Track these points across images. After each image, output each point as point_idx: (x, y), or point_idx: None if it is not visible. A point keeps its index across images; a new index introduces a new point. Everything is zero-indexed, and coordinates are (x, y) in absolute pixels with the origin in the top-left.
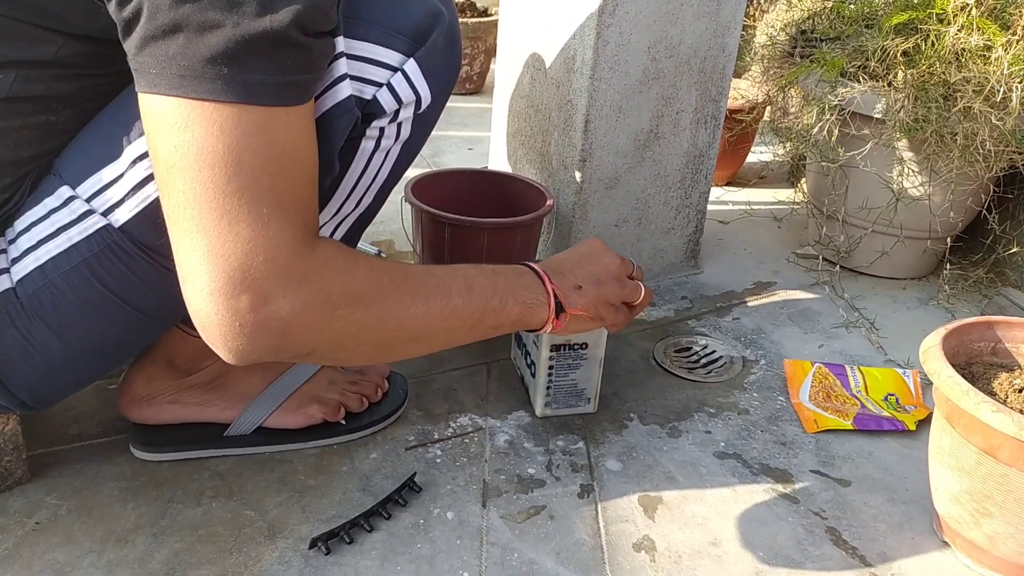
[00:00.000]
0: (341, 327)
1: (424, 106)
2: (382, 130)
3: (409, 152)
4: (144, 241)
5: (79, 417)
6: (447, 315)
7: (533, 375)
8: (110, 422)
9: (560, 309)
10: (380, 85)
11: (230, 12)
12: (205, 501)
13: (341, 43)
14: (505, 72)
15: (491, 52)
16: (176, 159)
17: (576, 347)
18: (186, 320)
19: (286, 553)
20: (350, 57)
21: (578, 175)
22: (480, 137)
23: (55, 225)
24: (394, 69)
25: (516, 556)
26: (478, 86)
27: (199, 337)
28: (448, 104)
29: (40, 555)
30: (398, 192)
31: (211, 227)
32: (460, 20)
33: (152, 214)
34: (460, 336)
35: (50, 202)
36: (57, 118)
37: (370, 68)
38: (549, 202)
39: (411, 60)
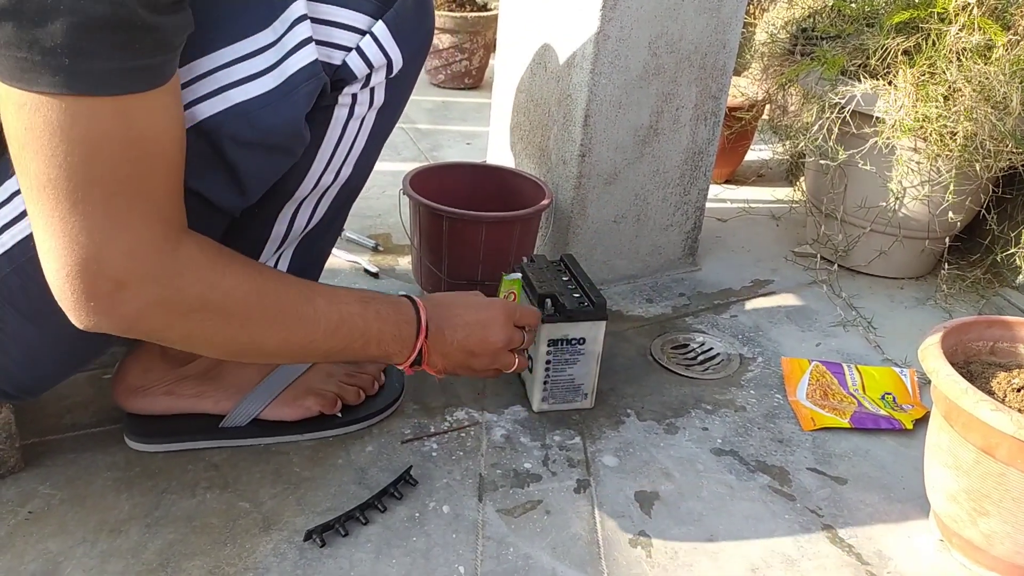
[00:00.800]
0: (193, 328)
1: (396, 69)
2: (355, 96)
3: (386, 120)
4: None
5: (73, 407)
6: (303, 346)
7: (530, 370)
8: (104, 412)
9: (418, 363)
10: (349, 49)
11: None
12: (199, 492)
13: (303, 6)
14: (504, 67)
15: (491, 47)
16: (28, 140)
17: (574, 342)
18: None
19: (281, 545)
20: (315, 21)
21: (577, 170)
22: (479, 132)
23: (19, 208)
24: (362, 32)
25: (512, 550)
26: (477, 80)
27: None
28: (447, 99)
29: (33, 545)
30: (396, 185)
31: (65, 214)
32: (460, 14)
33: None
34: (310, 359)
35: (11, 184)
36: None
37: (337, 32)
38: (547, 197)
39: (379, 22)
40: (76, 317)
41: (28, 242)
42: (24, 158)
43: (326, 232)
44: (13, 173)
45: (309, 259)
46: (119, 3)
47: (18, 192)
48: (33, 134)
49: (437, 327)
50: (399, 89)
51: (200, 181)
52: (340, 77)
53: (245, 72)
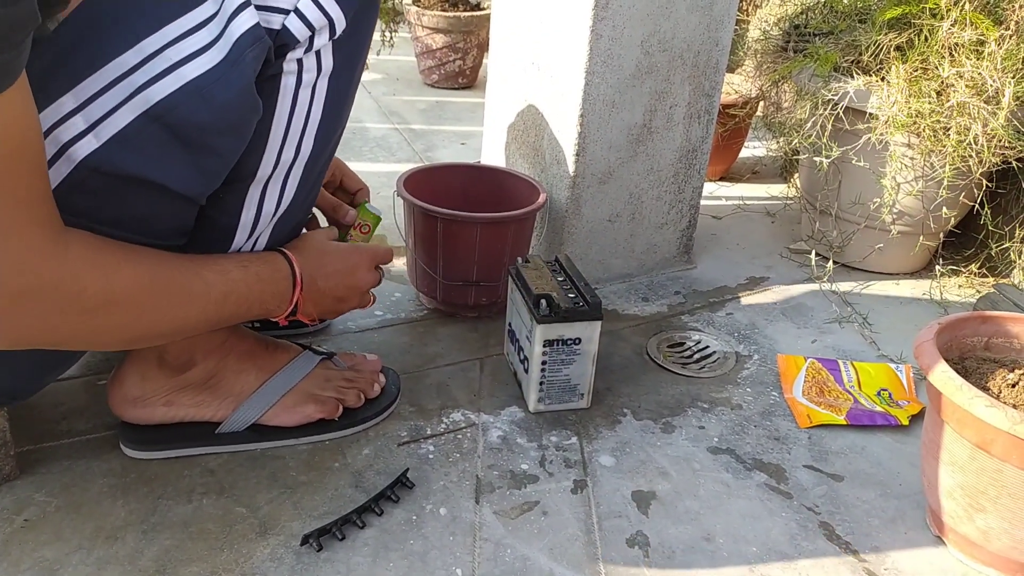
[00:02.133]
0: (99, 323)
1: (340, 30)
2: (300, 62)
3: (341, 87)
4: (75, 211)
5: (68, 413)
6: (198, 320)
7: (526, 370)
8: (99, 418)
9: (292, 313)
10: (287, 12)
11: None
12: (196, 498)
13: None
14: (498, 66)
15: (484, 46)
16: None
17: (569, 343)
18: None
19: (277, 550)
20: None
21: (571, 170)
22: (474, 131)
23: None
24: None
25: (509, 552)
26: (471, 80)
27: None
28: (441, 99)
29: (29, 552)
30: (391, 187)
31: None
32: (453, 14)
33: (78, 182)
34: (198, 332)
35: None
36: None
37: None
38: (542, 197)
39: None
40: None
41: None
42: None
43: (299, 209)
44: None
45: (285, 238)
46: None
47: None
48: None
49: (310, 277)
50: (349, 52)
51: (159, 170)
52: (282, 42)
53: (193, 47)
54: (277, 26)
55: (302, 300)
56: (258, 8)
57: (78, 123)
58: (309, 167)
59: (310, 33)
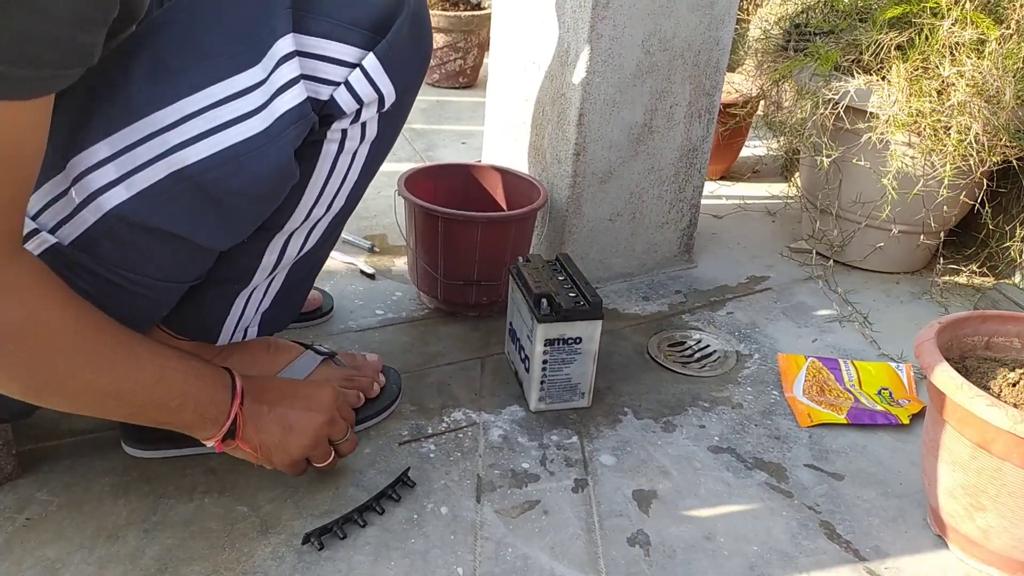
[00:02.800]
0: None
1: (388, 104)
2: (344, 132)
3: (379, 150)
4: (99, 255)
5: (69, 412)
6: (114, 392)
7: (527, 369)
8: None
9: (231, 435)
10: (336, 84)
11: None
12: (197, 497)
13: (291, 41)
14: (498, 66)
15: (484, 46)
16: None
17: (570, 342)
18: (166, 322)
19: (279, 549)
20: (302, 55)
21: (572, 169)
22: (474, 131)
23: None
24: (351, 66)
25: (510, 551)
26: (472, 80)
27: (185, 339)
28: (442, 98)
29: (31, 551)
30: (392, 186)
31: None
32: (454, 14)
33: (104, 229)
34: (114, 413)
35: None
36: None
37: (323, 66)
38: (543, 196)
39: (370, 55)
40: None
41: None
42: None
43: (319, 251)
44: None
45: (302, 274)
46: (38, 10)
47: None
48: None
49: (253, 396)
50: (394, 120)
51: (186, 225)
52: (327, 112)
53: (235, 112)
54: (325, 97)
55: (242, 417)
56: (305, 78)
57: (110, 172)
58: (337, 220)
59: (358, 106)
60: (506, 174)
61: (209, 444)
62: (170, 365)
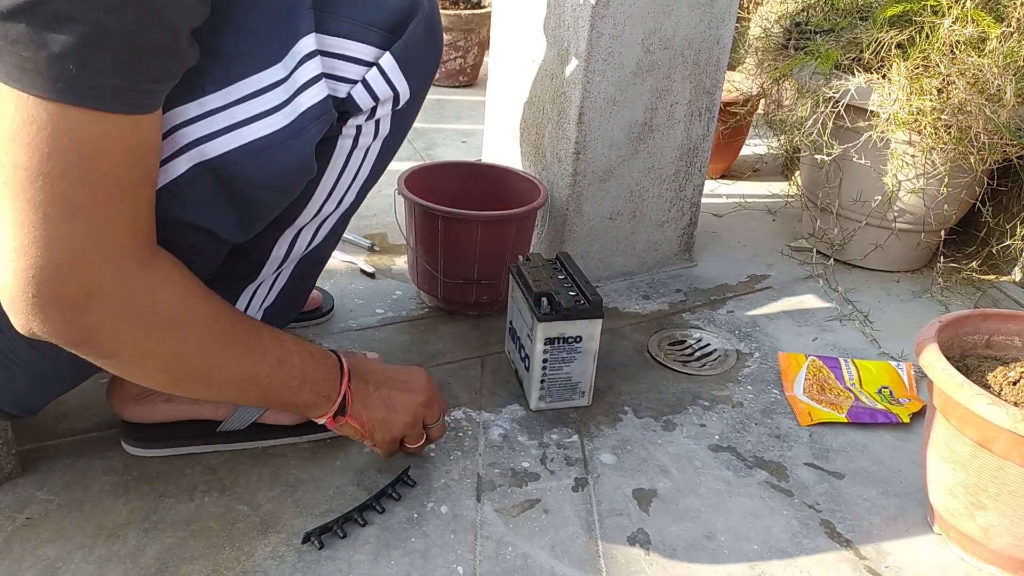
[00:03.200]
0: (153, 346)
1: (403, 102)
2: (359, 128)
3: (390, 147)
4: None
5: (70, 412)
6: (249, 377)
7: (527, 368)
8: (101, 417)
9: (341, 412)
10: (354, 82)
11: (85, 3)
12: (197, 496)
13: (313, 40)
14: (499, 64)
15: (485, 44)
16: (17, 135)
17: (570, 341)
18: None
19: (279, 547)
20: (324, 54)
21: (572, 168)
22: (474, 130)
23: None
24: (368, 64)
25: (510, 550)
26: (472, 78)
27: None
28: (442, 97)
29: (31, 550)
30: (392, 185)
31: (48, 214)
32: (454, 12)
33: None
34: (246, 398)
35: None
36: None
37: (342, 64)
38: (543, 195)
39: (387, 54)
40: (26, 321)
41: None
42: (10, 152)
43: (325, 247)
44: None
45: (306, 270)
46: (141, 25)
47: None
48: (24, 130)
49: (359, 375)
50: (405, 118)
51: (206, 216)
52: (344, 109)
53: (258, 108)
54: (342, 94)
55: (351, 395)
56: (326, 76)
57: None
58: (344, 216)
59: (374, 104)
60: (506, 173)
61: (320, 421)
62: (289, 348)
